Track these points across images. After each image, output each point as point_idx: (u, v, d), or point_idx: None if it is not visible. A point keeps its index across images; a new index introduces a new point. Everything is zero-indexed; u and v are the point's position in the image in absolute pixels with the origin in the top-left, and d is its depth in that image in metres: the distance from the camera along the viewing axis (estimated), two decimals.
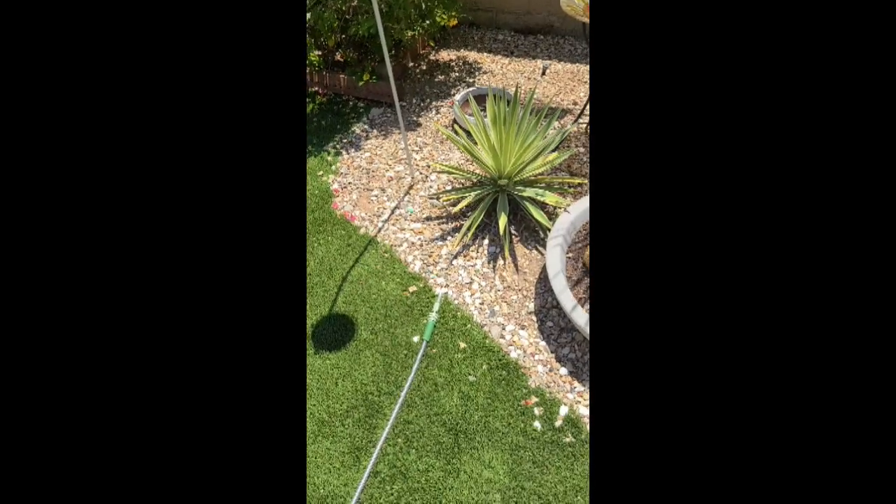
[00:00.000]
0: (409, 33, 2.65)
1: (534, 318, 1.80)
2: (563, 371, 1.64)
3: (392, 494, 1.41)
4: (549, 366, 1.66)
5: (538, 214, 1.99)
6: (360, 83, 2.70)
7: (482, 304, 1.86)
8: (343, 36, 2.74)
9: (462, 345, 1.73)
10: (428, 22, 2.77)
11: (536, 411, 1.55)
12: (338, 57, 2.94)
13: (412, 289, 1.92)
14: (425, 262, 2.02)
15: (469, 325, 1.79)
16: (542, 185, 2.17)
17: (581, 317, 1.55)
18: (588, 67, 2.87)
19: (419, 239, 2.11)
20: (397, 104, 1.99)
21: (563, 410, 1.54)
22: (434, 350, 1.73)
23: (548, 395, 1.58)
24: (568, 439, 1.48)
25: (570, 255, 1.83)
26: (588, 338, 1.62)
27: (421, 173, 2.41)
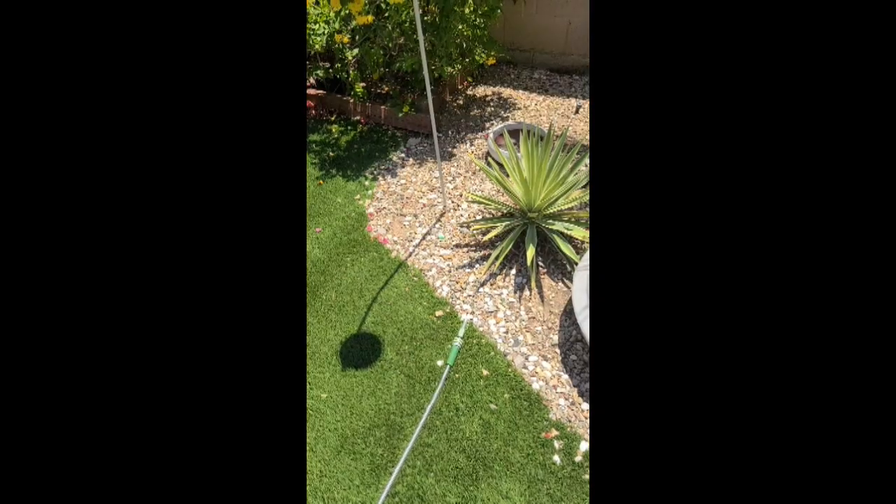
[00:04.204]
0: (449, 70, 2.80)
1: (557, 350, 1.81)
2: (585, 406, 1.64)
3: None
4: (570, 399, 1.66)
5: (566, 248, 2.02)
6: (400, 114, 2.85)
7: (506, 332, 1.89)
8: (387, 70, 2.91)
9: (485, 372, 1.75)
10: (468, 60, 2.92)
11: (556, 445, 1.54)
12: (378, 90, 3.11)
13: (439, 313, 1.97)
14: (453, 287, 2.07)
15: (492, 353, 1.81)
16: (571, 219, 2.21)
17: None
18: None
19: (448, 265, 2.17)
20: (435, 136, 2.09)
21: (584, 446, 1.54)
22: (457, 375, 1.76)
23: (568, 429, 1.58)
24: (587, 476, 1.47)
25: None
26: None
27: (453, 202, 2.49)
